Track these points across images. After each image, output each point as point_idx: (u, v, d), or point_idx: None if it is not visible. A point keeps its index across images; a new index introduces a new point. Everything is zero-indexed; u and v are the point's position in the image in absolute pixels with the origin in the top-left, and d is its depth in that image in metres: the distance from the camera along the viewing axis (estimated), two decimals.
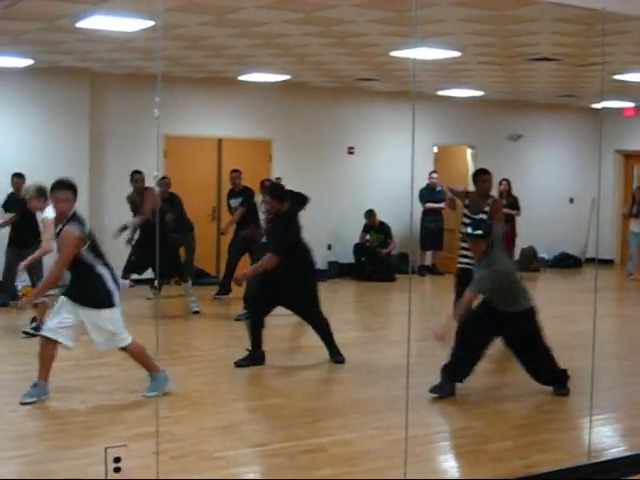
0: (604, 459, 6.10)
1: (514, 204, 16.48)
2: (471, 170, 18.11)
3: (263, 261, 8.75)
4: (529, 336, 7.75)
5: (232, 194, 13.13)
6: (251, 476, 5.90)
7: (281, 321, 10.69)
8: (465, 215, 9.24)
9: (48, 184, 12.97)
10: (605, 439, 6.73)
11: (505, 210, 16.23)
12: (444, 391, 7.60)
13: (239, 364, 8.74)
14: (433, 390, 7.58)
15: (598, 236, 15.96)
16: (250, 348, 8.86)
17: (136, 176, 11.89)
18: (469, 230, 7.63)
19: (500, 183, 16.65)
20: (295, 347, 9.71)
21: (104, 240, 13.85)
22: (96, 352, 9.41)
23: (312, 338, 10.06)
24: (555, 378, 7.87)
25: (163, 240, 11.00)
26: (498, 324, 7.64)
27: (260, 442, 6.34)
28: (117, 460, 4.89)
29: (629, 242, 16.69)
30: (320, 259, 15.91)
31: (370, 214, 16.03)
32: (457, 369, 7.68)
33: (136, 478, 5.21)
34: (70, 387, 7.82)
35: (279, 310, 9.06)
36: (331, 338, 9.07)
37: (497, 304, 7.60)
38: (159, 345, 8.62)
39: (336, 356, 9.03)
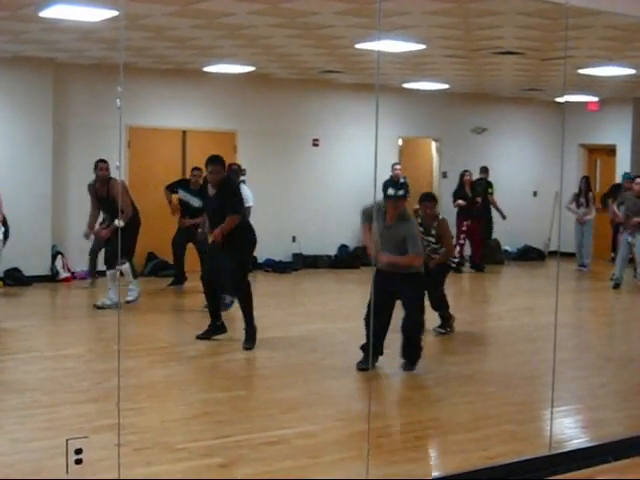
0: (565, 450, 6.13)
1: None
2: (436, 162, 18.23)
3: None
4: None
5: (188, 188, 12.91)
6: (214, 468, 5.89)
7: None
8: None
9: (12, 174, 13.04)
10: (566, 430, 6.78)
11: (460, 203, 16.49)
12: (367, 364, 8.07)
13: (200, 337, 9.46)
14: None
15: (560, 229, 16.03)
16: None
17: (100, 164, 11.63)
18: (390, 191, 8.06)
19: (464, 175, 16.73)
20: (258, 339, 9.68)
21: (69, 232, 13.85)
22: (59, 344, 9.42)
23: (274, 329, 10.08)
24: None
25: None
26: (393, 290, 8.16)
27: (223, 434, 6.33)
28: (78, 452, 4.87)
29: (575, 233, 16.84)
30: (284, 251, 16.05)
31: None
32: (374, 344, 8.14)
33: (97, 470, 5.19)
34: (33, 379, 7.77)
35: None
36: (246, 317, 9.37)
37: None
38: (123, 337, 8.60)
39: (244, 342, 9.27)
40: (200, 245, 12.32)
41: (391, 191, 8.00)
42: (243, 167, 14.58)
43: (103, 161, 11.67)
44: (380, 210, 8.12)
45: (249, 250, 9.67)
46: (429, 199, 9.85)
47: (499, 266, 17.57)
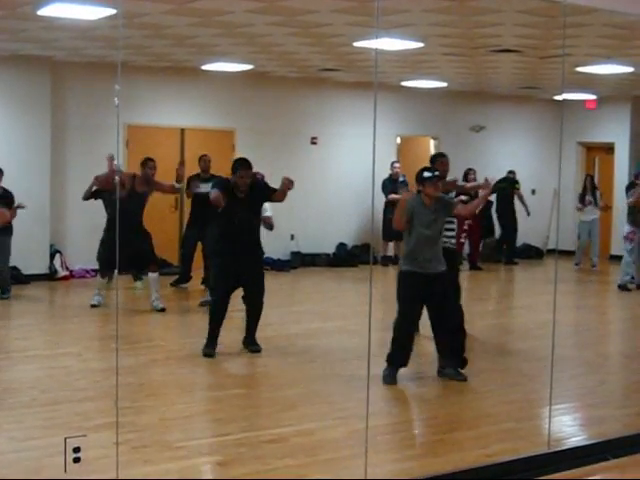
0: (564, 448, 6.14)
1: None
2: None
3: None
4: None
5: (200, 178, 12.89)
6: (211, 466, 5.89)
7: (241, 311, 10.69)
8: None
9: (10, 173, 13.01)
10: (565, 428, 6.78)
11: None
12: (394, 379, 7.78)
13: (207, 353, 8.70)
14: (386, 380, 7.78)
15: (559, 227, 16.05)
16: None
17: (150, 163, 11.24)
18: (427, 174, 7.81)
19: (468, 173, 16.68)
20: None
21: (67, 230, 13.85)
22: (58, 343, 9.41)
23: (273, 328, 10.07)
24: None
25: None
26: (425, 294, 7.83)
27: (222, 432, 6.33)
28: (76, 450, 4.87)
29: (579, 232, 16.86)
30: (283, 249, 16.04)
31: None
32: (399, 356, 7.82)
33: (96, 468, 5.19)
34: (31, 377, 7.77)
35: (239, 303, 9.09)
36: (256, 324, 9.01)
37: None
38: (121, 335, 8.59)
39: (252, 345, 8.96)
40: (207, 247, 12.30)
41: (427, 174, 7.81)
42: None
43: (152, 160, 11.31)
44: (416, 203, 7.96)
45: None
46: (442, 155, 9.70)
47: (497, 264, 17.55)
